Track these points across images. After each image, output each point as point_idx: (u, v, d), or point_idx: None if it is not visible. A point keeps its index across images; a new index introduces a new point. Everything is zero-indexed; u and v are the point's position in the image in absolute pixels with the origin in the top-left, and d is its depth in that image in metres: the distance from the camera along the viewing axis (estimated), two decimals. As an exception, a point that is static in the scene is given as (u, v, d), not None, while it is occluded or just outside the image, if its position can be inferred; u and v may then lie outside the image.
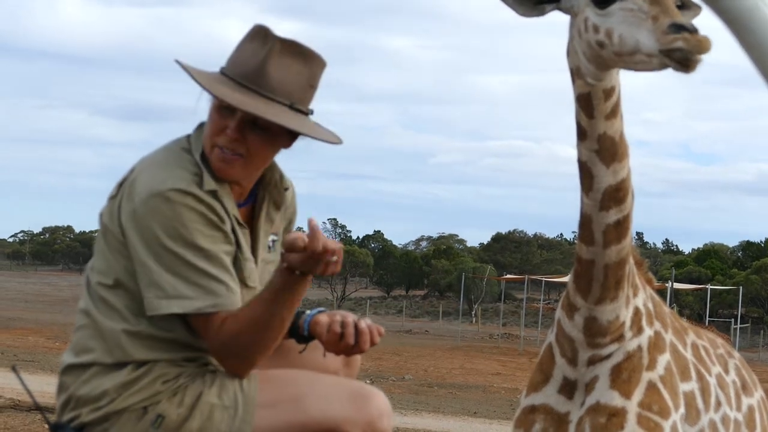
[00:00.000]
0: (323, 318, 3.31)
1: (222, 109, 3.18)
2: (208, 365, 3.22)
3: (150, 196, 3.09)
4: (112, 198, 3.22)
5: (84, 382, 3.16)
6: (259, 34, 3.21)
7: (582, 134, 3.38)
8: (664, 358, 3.63)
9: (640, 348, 3.58)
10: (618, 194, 3.40)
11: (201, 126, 3.28)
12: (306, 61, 3.24)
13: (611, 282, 3.47)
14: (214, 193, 3.16)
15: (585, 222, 3.45)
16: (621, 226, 3.42)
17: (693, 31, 2.94)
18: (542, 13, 3.41)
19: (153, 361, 3.15)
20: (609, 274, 3.46)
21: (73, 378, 3.19)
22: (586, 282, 3.49)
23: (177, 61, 3.15)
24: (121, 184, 3.21)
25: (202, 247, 3.09)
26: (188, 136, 3.27)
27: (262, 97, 3.17)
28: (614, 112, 3.36)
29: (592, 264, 3.46)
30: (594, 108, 3.34)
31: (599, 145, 3.36)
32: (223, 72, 3.22)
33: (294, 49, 3.22)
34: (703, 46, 2.92)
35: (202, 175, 3.17)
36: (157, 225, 3.08)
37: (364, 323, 3.29)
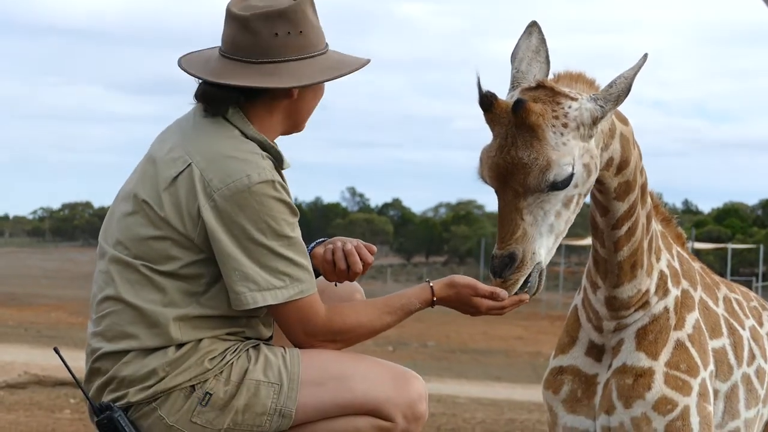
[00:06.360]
0: (318, 250, 3.38)
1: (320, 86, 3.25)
2: (250, 339, 3.21)
3: (236, 192, 3.05)
4: (166, 190, 3.10)
5: (125, 363, 3.13)
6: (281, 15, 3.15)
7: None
8: (692, 317, 3.60)
9: (666, 309, 3.55)
10: (630, 212, 3.40)
11: (224, 104, 3.18)
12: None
13: (626, 269, 3.46)
14: (283, 177, 3.19)
15: (595, 229, 3.47)
16: (630, 229, 3.42)
17: (494, 274, 3.09)
18: None
19: (197, 340, 3.13)
20: (623, 265, 3.46)
21: (109, 363, 3.15)
22: (603, 270, 3.49)
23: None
24: (175, 178, 3.10)
25: (288, 236, 3.10)
26: (224, 118, 3.17)
27: (319, 55, 3.23)
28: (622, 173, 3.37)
29: (606, 260, 3.47)
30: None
31: (616, 193, 3.38)
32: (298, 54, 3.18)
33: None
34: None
35: (274, 160, 3.17)
36: (246, 220, 3.06)
37: (350, 244, 3.35)
